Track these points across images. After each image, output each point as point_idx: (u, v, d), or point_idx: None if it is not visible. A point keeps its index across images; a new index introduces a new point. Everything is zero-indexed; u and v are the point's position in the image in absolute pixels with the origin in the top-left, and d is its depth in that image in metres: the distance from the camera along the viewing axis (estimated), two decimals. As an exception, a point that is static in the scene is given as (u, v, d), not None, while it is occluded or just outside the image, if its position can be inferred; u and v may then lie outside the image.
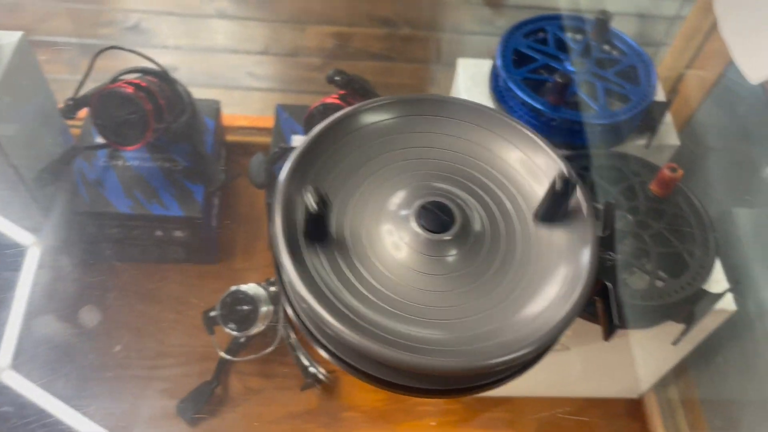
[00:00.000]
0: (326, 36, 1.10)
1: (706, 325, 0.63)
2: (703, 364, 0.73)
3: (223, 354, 0.72)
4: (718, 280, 0.61)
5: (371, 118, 0.44)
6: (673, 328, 0.62)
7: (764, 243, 0.67)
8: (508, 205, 0.43)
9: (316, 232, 0.39)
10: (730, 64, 0.71)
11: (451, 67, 0.77)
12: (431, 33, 1.13)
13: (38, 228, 0.71)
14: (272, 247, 0.39)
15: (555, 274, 0.39)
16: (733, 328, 0.65)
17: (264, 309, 0.71)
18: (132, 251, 0.77)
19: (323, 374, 0.71)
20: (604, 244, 0.40)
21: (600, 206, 0.44)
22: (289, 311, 0.41)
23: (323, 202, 0.37)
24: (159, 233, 0.75)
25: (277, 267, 0.41)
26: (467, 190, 0.43)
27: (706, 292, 0.59)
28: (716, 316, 0.62)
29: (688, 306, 0.59)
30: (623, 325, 0.41)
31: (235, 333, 0.70)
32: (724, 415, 0.72)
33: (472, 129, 0.45)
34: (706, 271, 0.60)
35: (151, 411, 0.71)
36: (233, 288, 0.70)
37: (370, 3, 1.16)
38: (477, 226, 0.41)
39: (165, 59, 0.76)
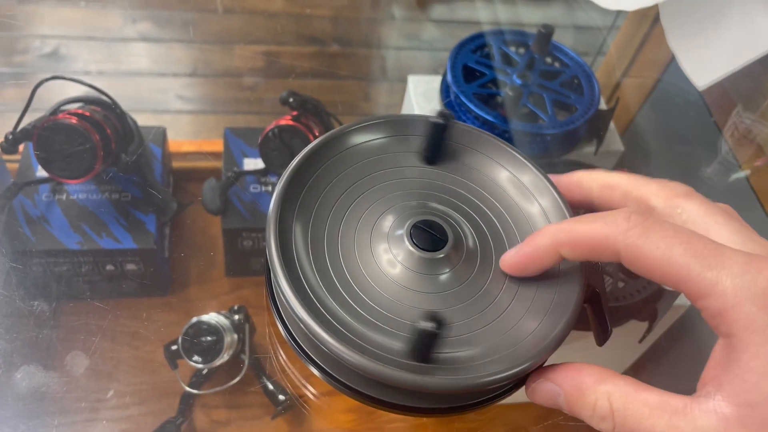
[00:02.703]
0: (256, 56, 1.09)
1: (664, 322, 0.66)
2: (658, 359, 0.76)
3: (188, 388, 0.70)
4: (672, 278, 0.65)
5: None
6: (633, 326, 0.65)
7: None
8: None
9: (439, 145, 0.45)
10: (665, 71, 0.75)
11: (393, 82, 0.77)
12: (360, 50, 1.14)
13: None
14: (269, 270, 0.38)
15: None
16: (685, 322, 0.69)
17: (228, 339, 0.69)
18: (80, 288, 0.73)
19: (295, 400, 0.70)
20: (589, 253, 0.41)
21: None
22: (283, 332, 0.40)
23: (446, 116, 0.44)
24: (110, 267, 0.72)
25: (271, 289, 0.40)
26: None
27: (664, 290, 0.62)
28: (674, 312, 0.66)
29: (650, 304, 0.61)
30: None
31: (200, 365, 0.67)
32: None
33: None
34: (661, 269, 0.63)
35: (113, 455, 0.68)
36: (195, 319, 0.68)
37: (296, 22, 1.16)
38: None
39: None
